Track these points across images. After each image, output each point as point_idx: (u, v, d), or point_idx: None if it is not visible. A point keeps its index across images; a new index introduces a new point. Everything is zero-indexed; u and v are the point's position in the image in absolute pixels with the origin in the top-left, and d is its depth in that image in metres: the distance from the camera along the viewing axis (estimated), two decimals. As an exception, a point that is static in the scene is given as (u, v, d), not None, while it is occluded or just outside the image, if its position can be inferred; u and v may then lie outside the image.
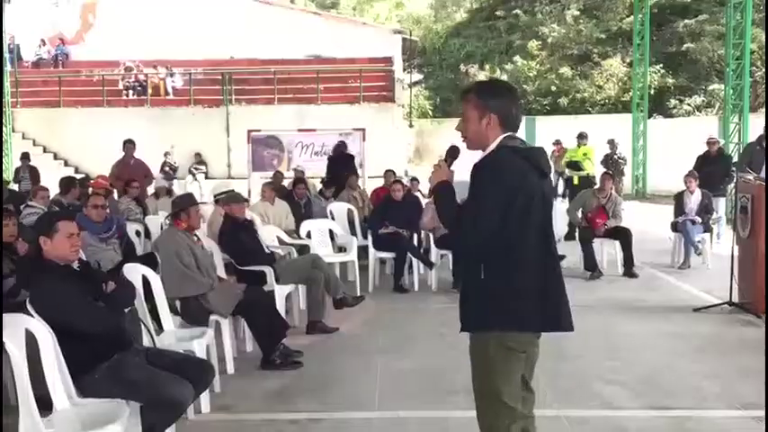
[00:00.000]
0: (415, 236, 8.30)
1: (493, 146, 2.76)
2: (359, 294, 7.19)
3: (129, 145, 11.36)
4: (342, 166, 11.35)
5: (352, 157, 12.17)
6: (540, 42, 26.30)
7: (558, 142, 16.85)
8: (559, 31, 26.02)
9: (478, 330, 2.75)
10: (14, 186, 13.42)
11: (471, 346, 2.80)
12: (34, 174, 14.01)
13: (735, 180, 8.99)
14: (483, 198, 2.65)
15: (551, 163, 17.16)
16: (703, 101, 23.91)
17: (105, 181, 9.76)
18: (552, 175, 17.48)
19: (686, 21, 24.19)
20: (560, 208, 10.27)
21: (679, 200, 9.41)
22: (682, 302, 7.20)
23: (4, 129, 19.23)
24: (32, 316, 3.28)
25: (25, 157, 14.65)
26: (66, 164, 19.66)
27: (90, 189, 8.75)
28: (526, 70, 25.96)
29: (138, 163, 11.36)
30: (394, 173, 11.17)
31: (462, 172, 2.88)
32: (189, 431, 4.04)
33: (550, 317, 2.74)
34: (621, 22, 25.41)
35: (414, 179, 11.40)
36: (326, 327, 6.23)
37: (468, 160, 2.86)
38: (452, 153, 2.91)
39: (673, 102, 23.84)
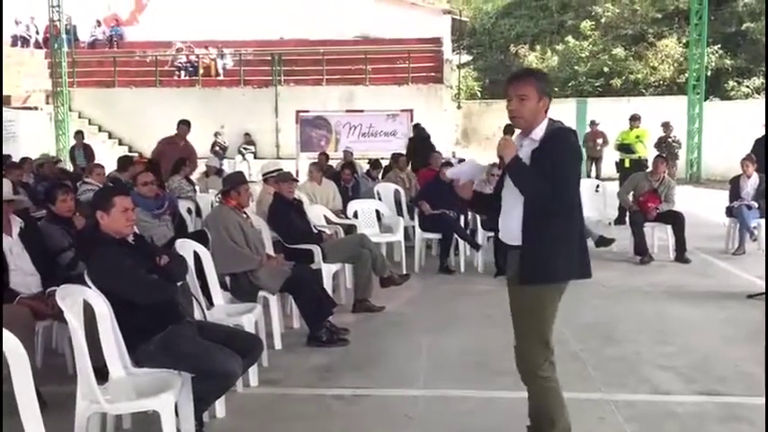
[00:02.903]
0: (462, 217, 8.27)
1: (543, 124, 3.19)
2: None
3: (183, 126, 10.85)
4: (428, 146, 12.09)
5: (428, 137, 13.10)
6: (593, 22, 25.73)
7: (593, 123, 16.27)
8: (613, 10, 25.41)
9: (543, 284, 3.14)
10: (69, 166, 13.81)
11: (523, 294, 3.18)
12: (89, 152, 14.35)
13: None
14: (566, 166, 3.12)
15: (582, 147, 16.64)
16: (762, 83, 23.07)
17: (143, 159, 9.94)
18: (584, 162, 16.91)
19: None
20: (611, 191, 10.08)
21: (735, 184, 9.15)
22: (735, 288, 7.03)
23: (61, 108, 19.79)
24: (90, 287, 3.39)
25: (79, 134, 15.02)
26: (120, 143, 20.14)
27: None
28: (578, 51, 25.44)
29: (186, 146, 10.71)
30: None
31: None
32: (238, 403, 4.13)
33: (585, 265, 3.23)
34: (678, 0, 24.67)
35: (461, 161, 11.32)
36: (373, 305, 6.28)
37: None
38: (510, 129, 3.46)
39: (731, 84, 23.09)
